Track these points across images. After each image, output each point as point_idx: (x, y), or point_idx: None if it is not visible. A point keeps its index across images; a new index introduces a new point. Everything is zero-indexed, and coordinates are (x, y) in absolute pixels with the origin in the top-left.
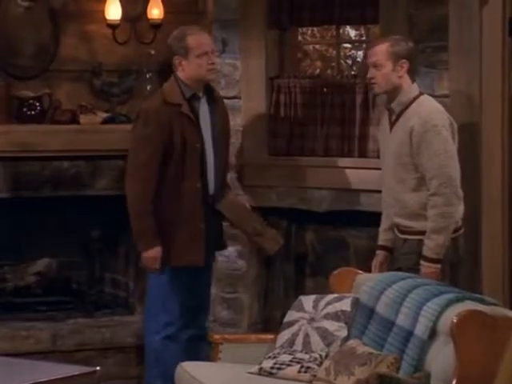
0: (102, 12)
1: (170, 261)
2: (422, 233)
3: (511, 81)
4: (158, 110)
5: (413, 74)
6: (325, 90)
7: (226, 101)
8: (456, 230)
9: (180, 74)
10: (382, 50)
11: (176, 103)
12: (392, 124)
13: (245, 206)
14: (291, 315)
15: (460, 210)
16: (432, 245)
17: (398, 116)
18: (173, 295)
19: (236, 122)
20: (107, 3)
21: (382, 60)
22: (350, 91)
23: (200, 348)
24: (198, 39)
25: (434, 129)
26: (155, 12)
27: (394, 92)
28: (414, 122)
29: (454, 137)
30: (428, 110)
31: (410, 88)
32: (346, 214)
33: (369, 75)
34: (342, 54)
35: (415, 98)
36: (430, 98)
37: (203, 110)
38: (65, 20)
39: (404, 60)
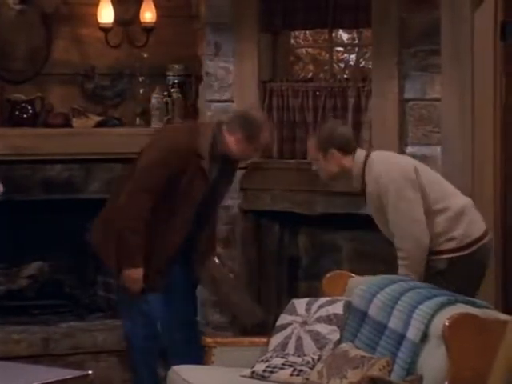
0: (95, 15)
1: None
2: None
3: (503, 84)
4: (181, 153)
5: (403, 79)
6: (317, 93)
7: (218, 104)
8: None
9: (225, 138)
10: (311, 146)
11: (201, 154)
12: (363, 195)
13: (227, 277)
14: (284, 318)
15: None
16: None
17: (362, 188)
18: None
19: None
20: (99, 6)
21: (314, 154)
22: (343, 95)
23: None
24: (267, 138)
25: (383, 191)
26: (148, 15)
27: (342, 173)
28: (369, 188)
29: (418, 178)
30: (376, 173)
31: (354, 164)
32: (339, 217)
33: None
34: (334, 57)
35: (364, 164)
36: (378, 154)
37: (215, 166)
38: (57, 23)
39: (331, 150)
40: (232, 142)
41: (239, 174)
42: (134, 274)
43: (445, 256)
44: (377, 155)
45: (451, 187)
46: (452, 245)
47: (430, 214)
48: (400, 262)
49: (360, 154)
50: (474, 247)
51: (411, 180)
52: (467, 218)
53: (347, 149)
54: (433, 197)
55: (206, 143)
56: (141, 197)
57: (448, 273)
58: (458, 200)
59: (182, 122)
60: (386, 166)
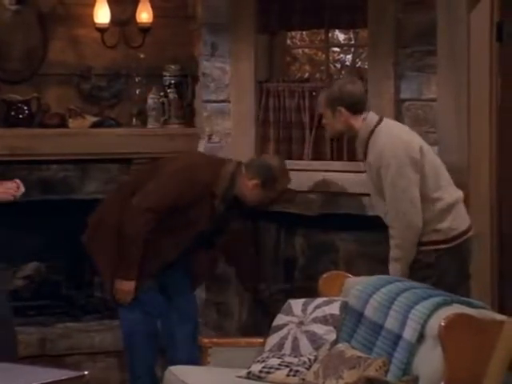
0: (91, 16)
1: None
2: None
3: (499, 85)
4: (200, 188)
5: (399, 79)
6: (314, 93)
7: (215, 104)
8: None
9: (243, 182)
10: (321, 101)
11: (216, 194)
12: (364, 161)
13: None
14: (280, 319)
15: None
16: (392, 272)
17: (365, 153)
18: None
19: (225, 125)
20: (96, 7)
21: (323, 110)
22: None
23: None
24: (285, 188)
25: (384, 164)
26: (144, 16)
27: (349, 132)
28: (370, 158)
29: (422, 158)
30: (380, 146)
31: (363, 125)
32: (336, 217)
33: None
34: (330, 57)
35: (372, 132)
36: (388, 124)
37: (224, 205)
38: (53, 24)
39: (339, 108)
40: (248, 186)
41: None
42: (126, 287)
43: (431, 247)
44: (387, 125)
45: (448, 177)
46: (437, 237)
47: (424, 200)
48: (391, 242)
49: (371, 118)
50: (459, 240)
51: (414, 159)
52: (455, 212)
53: (356, 108)
54: (431, 183)
55: (224, 185)
56: (149, 216)
57: (437, 265)
58: (453, 192)
59: (204, 154)
60: (392, 140)
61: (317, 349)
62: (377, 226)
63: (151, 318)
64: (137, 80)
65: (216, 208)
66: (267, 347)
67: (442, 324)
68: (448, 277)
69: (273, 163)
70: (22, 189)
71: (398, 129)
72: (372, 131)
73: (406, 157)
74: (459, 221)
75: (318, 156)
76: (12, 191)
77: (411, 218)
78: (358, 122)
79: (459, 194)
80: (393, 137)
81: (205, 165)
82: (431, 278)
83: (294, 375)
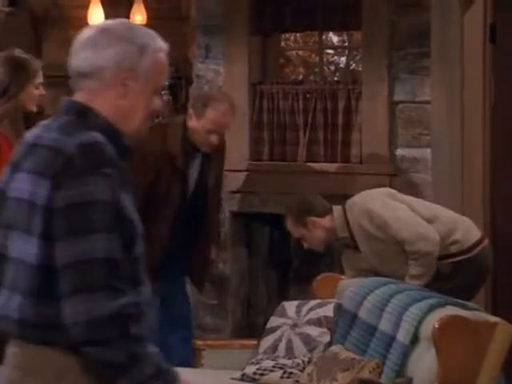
0: (85, 18)
1: None
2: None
3: (492, 86)
4: (152, 159)
5: (393, 81)
6: (307, 95)
7: None
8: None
9: (189, 124)
10: (291, 225)
11: (173, 154)
12: (355, 247)
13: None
14: (274, 321)
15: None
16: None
17: (353, 240)
18: None
19: None
20: (90, 9)
21: (297, 232)
22: (333, 97)
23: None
24: (218, 116)
25: (376, 216)
26: (138, 17)
27: (332, 235)
28: (359, 232)
29: (398, 195)
30: (359, 211)
31: (336, 218)
32: None
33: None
34: (324, 59)
35: (346, 216)
36: (351, 200)
37: (195, 163)
38: (47, 26)
39: (310, 219)
40: (189, 124)
41: (229, 176)
42: None
43: (450, 260)
44: (351, 200)
45: (442, 209)
46: (456, 248)
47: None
48: (412, 262)
49: (336, 208)
50: (475, 251)
51: (393, 194)
52: (463, 225)
53: (323, 210)
54: (420, 208)
55: (177, 137)
56: None
57: (453, 277)
58: (447, 211)
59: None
60: (365, 196)
61: (311, 351)
62: None
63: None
64: None
65: (181, 168)
66: (261, 349)
67: (436, 326)
68: (464, 286)
69: (207, 92)
70: None
71: (361, 193)
72: (344, 212)
73: (385, 196)
74: (470, 231)
75: (311, 158)
76: None
77: (426, 233)
78: (329, 221)
79: (456, 215)
80: (363, 195)
81: (150, 137)
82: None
83: (288, 377)
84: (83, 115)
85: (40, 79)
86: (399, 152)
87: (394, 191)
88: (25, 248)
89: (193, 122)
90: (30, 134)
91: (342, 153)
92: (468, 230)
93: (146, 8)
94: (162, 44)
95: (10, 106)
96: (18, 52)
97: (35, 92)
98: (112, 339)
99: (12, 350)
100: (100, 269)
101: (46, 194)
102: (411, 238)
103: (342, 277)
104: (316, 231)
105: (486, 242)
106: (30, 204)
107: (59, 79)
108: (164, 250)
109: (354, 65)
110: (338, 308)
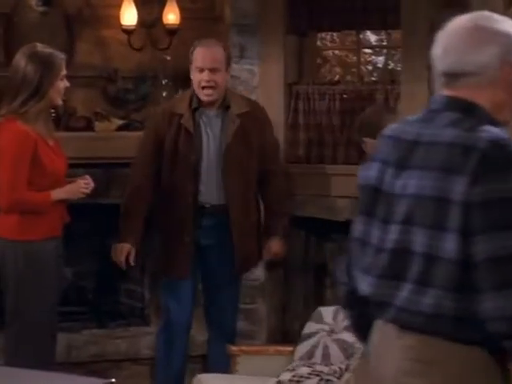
0: (118, 17)
1: (163, 271)
2: None
3: None
4: (157, 116)
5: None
6: (345, 96)
7: None
8: None
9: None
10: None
11: (178, 113)
12: None
13: None
14: (310, 327)
15: None
16: None
17: None
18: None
19: None
20: (122, 8)
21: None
22: (370, 97)
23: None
24: (199, 53)
25: None
26: (171, 17)
27: None
28: None
29: None
30: None
31: None
32: None
33: None
34: (362, 59)
35: None
36: None
37: (213, 123)
38: (80, 25)
39: None
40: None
41: None
42: (118, 248)
43: None
44: None
45: None
46: None
47: None
48: None
49: None
50: None
51: None
52: None
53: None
54: None
55: (184, 98)
56: (131, 175)
57: None
58: None
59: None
60: None
61: (348, 358)
62: None
63: (179, 326)
64: (163, 82)
65: (190, 127)
66: (297, 355)
67: None
68: None
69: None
70: (92, 184)
71: None
72: None
73: None
74: None
75: (349, 160)
76: (83, 189)
77: None
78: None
79: None
80: None
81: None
82: None
83: None
84: (470, 111)
85: (64, 71)
86: None
87: None
88: (437, 243)
89: (191, 74)
90: (396, 130)
91: None
92: None
93: (180, 8)
94: None
95: (43, 105)
96: (41, 47)
97: (61, 85)
98: None
99: (403, 342)
100: None
101: (463, 189)
102: None
103: None
104: None
105: None
106: (439, 200)
107: (90, 79)
108: (187, 213)
109: (392, 64)
110: None
